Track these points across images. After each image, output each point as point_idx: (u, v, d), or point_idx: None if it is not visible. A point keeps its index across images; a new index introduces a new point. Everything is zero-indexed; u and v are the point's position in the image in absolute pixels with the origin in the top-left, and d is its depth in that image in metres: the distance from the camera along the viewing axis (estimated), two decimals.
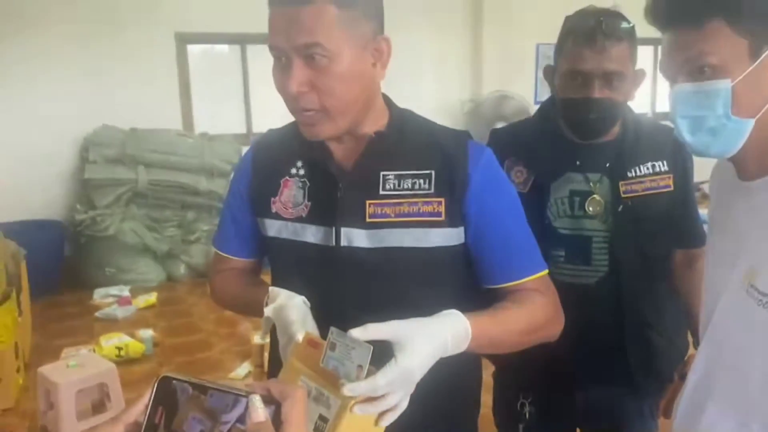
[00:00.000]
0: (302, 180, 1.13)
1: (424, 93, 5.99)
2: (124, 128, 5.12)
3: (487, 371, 1.69)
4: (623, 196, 1.43)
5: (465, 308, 0.98)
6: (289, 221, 1.13)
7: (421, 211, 1.07)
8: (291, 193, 1.13)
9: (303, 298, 1.04)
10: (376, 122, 1.10)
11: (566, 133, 1.47)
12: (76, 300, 4.71)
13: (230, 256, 1.26)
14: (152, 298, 4.66)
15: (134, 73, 5.30)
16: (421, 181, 1.07)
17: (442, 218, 1.07)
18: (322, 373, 0.88)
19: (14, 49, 4.94)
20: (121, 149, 4.95)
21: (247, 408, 0.58)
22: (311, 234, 1.11)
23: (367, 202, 1.08)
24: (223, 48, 5.88)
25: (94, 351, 3.60)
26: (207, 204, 5.10)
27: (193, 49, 5.66)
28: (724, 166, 1.08)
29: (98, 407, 3.15)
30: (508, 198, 1.14)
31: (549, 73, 1.47)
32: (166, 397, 0.60)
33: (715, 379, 1.05)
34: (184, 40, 5.51)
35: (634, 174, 1.44)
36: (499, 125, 2.08)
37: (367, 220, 1.07)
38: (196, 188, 5.03)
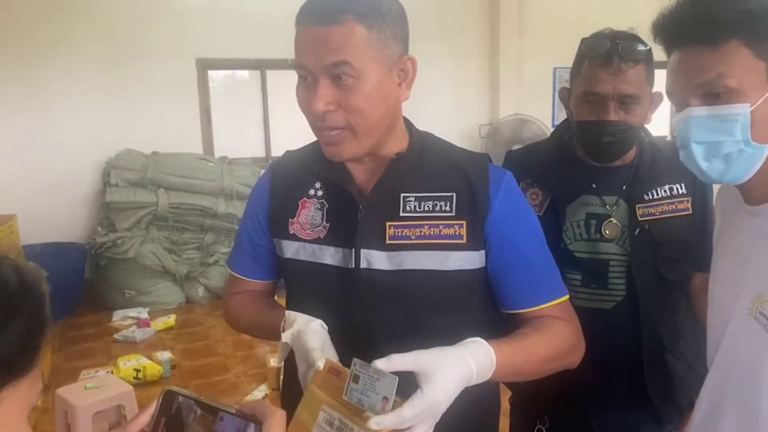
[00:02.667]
0: (320, 201, 1.12)
1: (442, 118, 6.01)
2: (145, 152, 5.21)
3: (504, 396, 1.67)
4: (640, 219, 1.41)
5: (486, 333, 0.97)
6: (307, 242, 1.12)
7: (442, 233, 1.06)
8: (309, 214, 1.13)
9: (321, 321, 1.03)
10: (396, 144, 1.10)
11: (582, 156, 1.46)
12: (95, 322, 4.75)
13: (246, 278, 1.26)
14: (171, 320, 4.68)
15: (156, 98, 5.40)
16: (443, 203, 1.07)
17: (464, 241, 1.06)
18: (346, 402, 0.86)
19: (39, 74, 5.06)
20: (142, 173, 5.02)
21: None
22: (330, 255, 1.10)
23: (387, 223, 1.07)
24: (243, 73, 5.97)
25: (112, 373, 3.62)
26: (226, 227, 5.14)
27: (213, 75, 5.75)
28: (729, 189, 1.06)
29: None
30: (529, 222, 1.13)
31: (565, 95, 1.47)
32: (170, 411, 0.63)
33: (723, 408, 1.03)
34: (205, 65, 5.60)
35: (651, 197, 1.42)
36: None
37: (387, 242, 1.06)
38: (215, 211, 5.07)
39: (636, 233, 1.41)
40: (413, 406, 0.82)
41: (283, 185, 1.18)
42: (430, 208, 1.07)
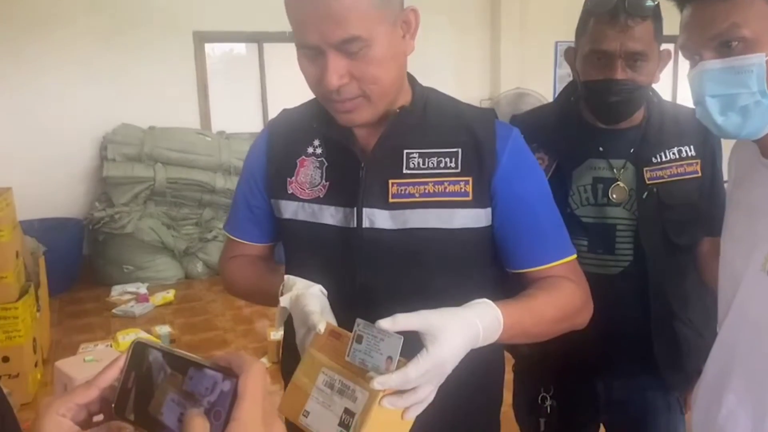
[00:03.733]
0: (320, 159, 1.08)
1: (444, 91, 5.94)
2: (142, 127, 5.15)
3: (508, 365, 1.65)
4: (648, 182, 1.38)
5: (491, 294, 0.94)
6: (306, 202, 1.08)
7: (446, 190, 1.02)
8: (308, 173, 1.09)
9: (320, 287, 1.00)
10: (400, 98, 1.05)
11: (588, 118, 1.42)
12: (94, 297, 4.73)
13: (244, 241, 1.23)
14: (170, 295, 4.67)
15: (153, 71, 5.33)
16: (447, 159, 1.03)
17: (469, 198, 1.02)
18: (346, 364, 0.83)
19: (32, 49, 4.99)
20: (139, 147, 4.97)
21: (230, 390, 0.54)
22: (330, 215, 1.06)
23: (390, 181, 1.03)
24: (241, 47, 5.89)
25: (111, 347, 3.61)
26: (224, 202, 5.10)
27: (210, 49, 5.68)
28: (745, 143, 1.03)
29: None
30: (537, 179, 1.10)
31: (570, 55, 1.42)
32: (141, 367, 0.58)
33: (733, 367, 1.01)
34: (201, 38, 5.52)
35: (659, 160, 1.38)
36: None
37: (390, 200, 1.03)
38: (213, 186, 5.03)
39: (644, 197, 1.37)
40: (418, 366, 0.79)
41: (281, 143, 1.13)
42: (435, 165, 1.03)
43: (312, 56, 0.95)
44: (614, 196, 1.39)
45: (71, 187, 5.24)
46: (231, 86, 5.79)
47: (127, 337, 3.76)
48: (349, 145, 1.05)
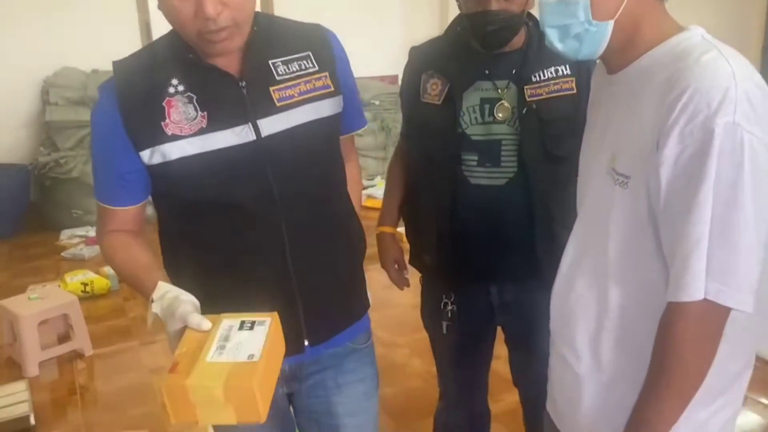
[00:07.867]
0: (186, 95, 1.12)
1: (392, 34, 5.92)
2: (85, 70, 5.07)
3: (415, 276, 1.79)
4: (528, 99, 1.49)
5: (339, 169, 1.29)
6: (190, 137, 1.11)
7: (316, 86, 1.19)
8: (179, 110, 1.11)
9: (193, 297, 1.04)
10: None
11: (475, 45, 1.52)
12: (42, 241, 4.75)
13: (117, 207, 1.20)
14: None
15: (93, 12, 5.22)
16: (305, 62, 1.19)
17: (332, 89, 1.21)
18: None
19: None
20: (82, 91, 4.91)
21: None
22: (221, 140, 1.11)
23: (271, 89, 1.14)
24: None
25: (59, 287, 3.67)
26: None
27: None
28: (600, 67, 1.15)
29: (64, 339, 3.24)
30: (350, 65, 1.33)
31: None
32: None
33: (583, 258, 1.15)
34: None
35: (538, 78, 1.50)
36: None
37: (278, 104, 1.15)
38: None
39: (524, 113, 1.49)
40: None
41: (132, 95, 1.13)
42: (298, 69, 1.18)
43: None
44: (499, 114, 1.51)
45: (14, 133, 5.17)
46: None
47: (76, 278, 3.82)
48: (223, 68, 1.12)
